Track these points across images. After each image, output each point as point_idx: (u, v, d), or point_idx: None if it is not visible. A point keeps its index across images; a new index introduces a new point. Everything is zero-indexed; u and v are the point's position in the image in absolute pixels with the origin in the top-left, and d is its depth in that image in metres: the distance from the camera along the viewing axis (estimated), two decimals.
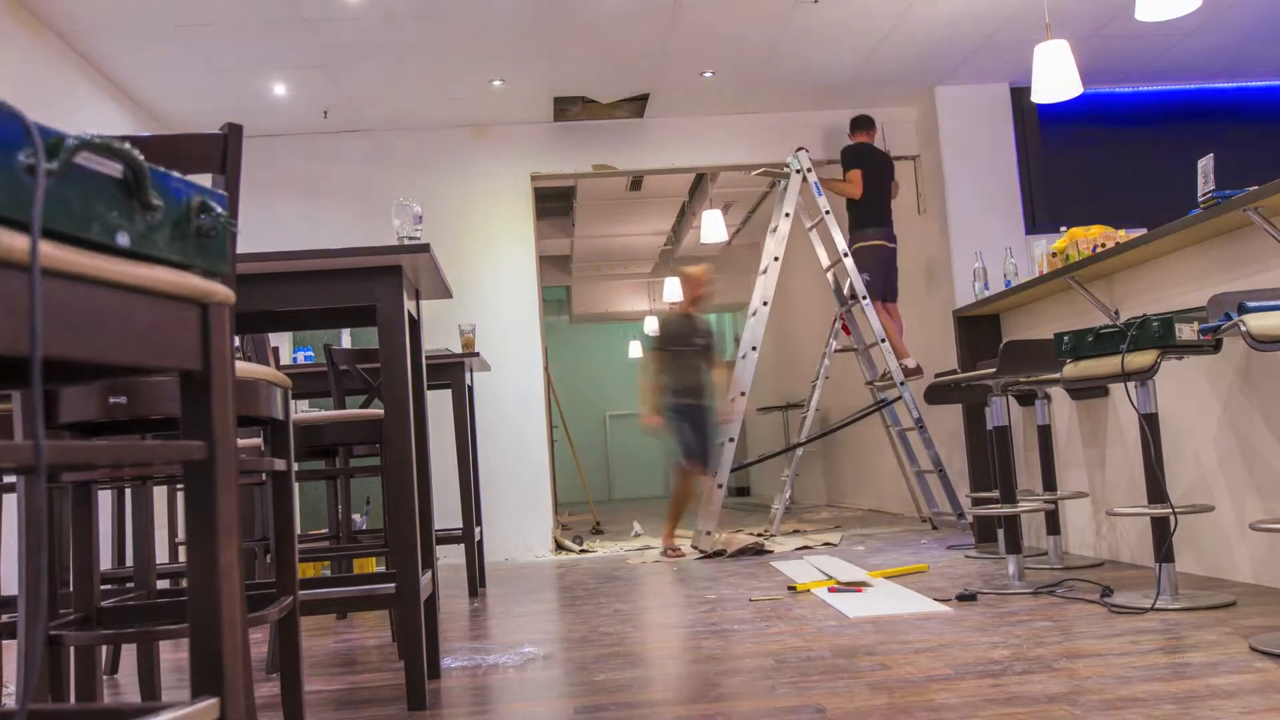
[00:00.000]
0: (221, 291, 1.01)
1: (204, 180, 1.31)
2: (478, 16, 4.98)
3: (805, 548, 5.55)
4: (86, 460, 0.84)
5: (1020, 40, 5.58)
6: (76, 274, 0.84)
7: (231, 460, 1.00)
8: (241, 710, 0.97)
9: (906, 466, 6.43)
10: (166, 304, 0.95)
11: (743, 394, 5.89)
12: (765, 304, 6.02)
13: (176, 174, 0.99)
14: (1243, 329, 2.43)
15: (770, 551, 5.48)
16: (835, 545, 5.60)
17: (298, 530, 6.30)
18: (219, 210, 1.02)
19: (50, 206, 0.83)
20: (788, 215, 6.20)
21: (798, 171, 6.23)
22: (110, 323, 0.88)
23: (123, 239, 0.91)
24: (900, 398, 6.12)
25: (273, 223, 6.19)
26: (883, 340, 6.10)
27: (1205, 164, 3.14)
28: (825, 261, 6.64)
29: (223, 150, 1.62)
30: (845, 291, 6.48)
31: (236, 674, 0.97)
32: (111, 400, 1.58)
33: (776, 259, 6.12)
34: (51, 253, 0.81)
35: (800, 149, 6.29)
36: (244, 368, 1.74)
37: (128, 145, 0.94)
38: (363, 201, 6.28)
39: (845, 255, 6.25)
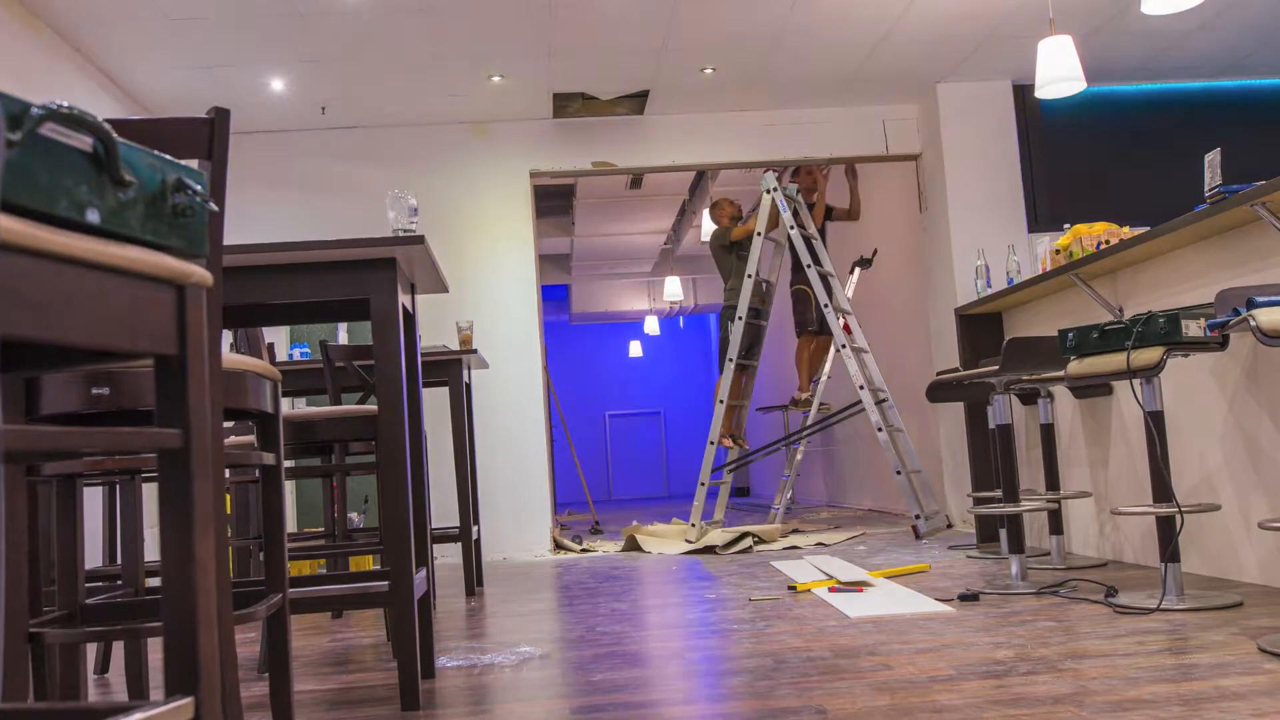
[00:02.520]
0: (199, 273, 0.97)
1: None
2: (476, 11, 4.94)
3: (794, 548, 5.52)
4: (52, 447, 0.80)
5: (1023, 36, 5.54)
6: (42, 251, 0.80)
7: (208, 449, 0.95)
8: (218, 710, 0.93)
9: (892, 467, 6.37)
10: (140, 285, 0.91)
11: (721, 402, 5.88)
12: (741, 319, 6.08)
13: (151, 150, 0.95)
14: (1252, 324, 2.39)
15: (752, 547, 5.46)
16: (828, 546, 5.56)
17: (293, 527, 6.27)
18: (196, 189, 0.98)
19: (12, 179, 0.78)
20: (759, 235, 6.31)
21: (768, 192, 6.30)
22: (79, 303, 0.83)
23: (93, 216, 0.87)
24: (885, 400, 6.11)
25: (270, 220, 6.15)
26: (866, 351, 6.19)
27: (1212, 158, 3.10)
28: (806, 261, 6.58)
29: (209, 135, 1.58)
30: (836, 300, 6.44)
31: (213, 672, 0.93)
32: (94, 391, 1.54)
33: (752, 275, 6.18)
34: (14, 227, 0.77)
35: (767, 170, 6.34)
36: (231, 359, 1.70)
37: (100, 119, 0.90)
38: (361, 198, 6.24)
39: (831, 276, 6.31)
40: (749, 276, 6.22)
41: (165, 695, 0.96)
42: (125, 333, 0.89)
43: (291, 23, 4.90)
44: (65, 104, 0.86)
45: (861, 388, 6.11)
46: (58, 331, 0.81)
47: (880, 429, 5.95)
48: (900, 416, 6.98)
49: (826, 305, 6.15)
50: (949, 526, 5.84)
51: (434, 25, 5.05)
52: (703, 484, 5.84)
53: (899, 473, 5.99)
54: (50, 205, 0.83)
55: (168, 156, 0.98)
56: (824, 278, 6.38)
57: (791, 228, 6.25)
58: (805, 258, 6.40)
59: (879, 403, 6.19)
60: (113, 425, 1.78)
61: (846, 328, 6.63)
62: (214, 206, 1.35)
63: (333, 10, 4.81)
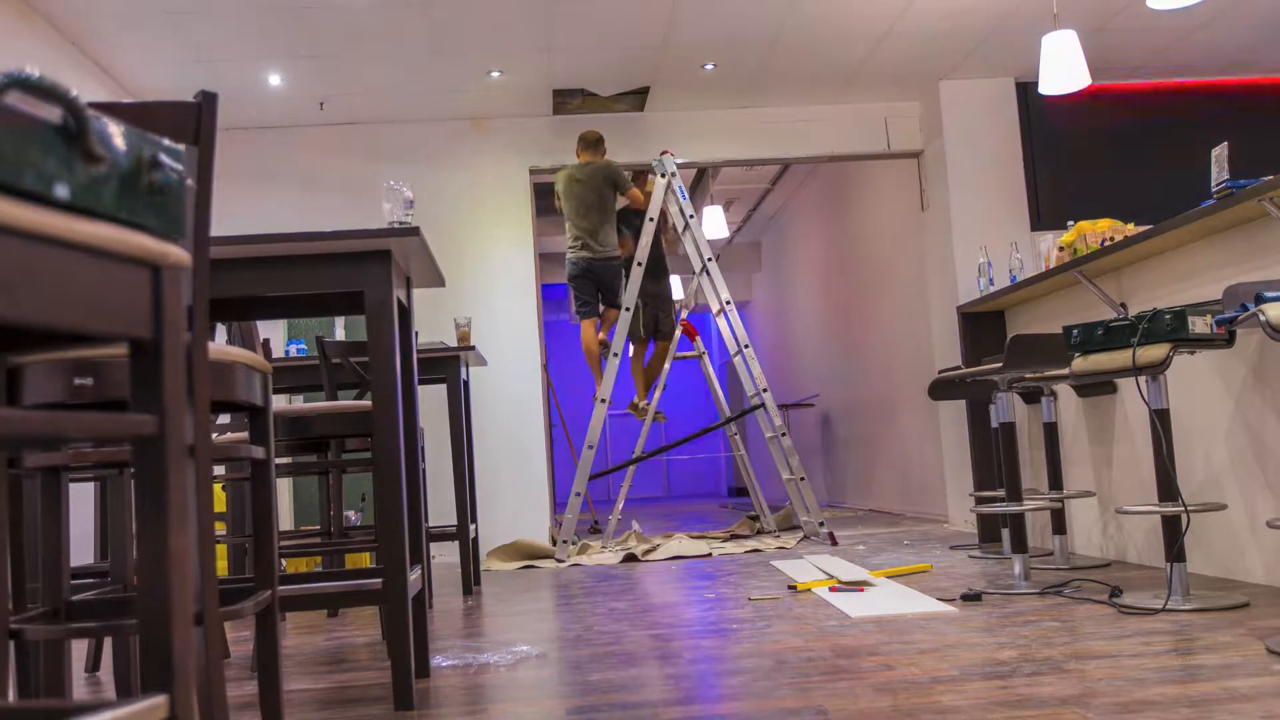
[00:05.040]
0: (176, 253, 0.93)
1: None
2: (476, 6, 4.90)
3: (783, 548, 5.46)
4: (16, 432, 0.76)
5: (1027, 33, 5.50)
6: (5, 226, 0.76)
7: (183, 437, 0.92)
8: (193, 709, 0.89)
9: (781, 474, 6.13)
10: (112, 264, 0.87)
11: (603, 401, 5.71)
12: (627, 310, 5.90)
13: (125, 124, 0.91)
14: (1262, 319, 2.35)
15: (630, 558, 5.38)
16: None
17: (291, 525, 6.23)
18: (174, 166, 0.94)
19: None
20: (651, 220, 6.05)
21: (663, 176, 6.07)
22: (46, 282, 0.80)
23: (61, 191, 0.83)
24: (761, 405, 5.89)
25: (268, 217, 6.11)
26: (744, 349, 5.99)
27: (1219, 152, 3.06)
28: (697, 266, 6.22)
29: (196, 120, 1.54)
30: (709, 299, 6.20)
31: (188, 669, 0.89)
32: (77, 381, 1.51)
33: (639, 264, 5.98)
34: None
35: (665, 152, 6.14)
36: (220, 349, 1.66)
37: (74, 93, 0.86)
38: (359, 195, 6.20)
39: (710, 260, 6.07)
40: (639, 264, 5.97)
41: (140, 692, 0.92)
42: (96, 314, 0.86)
43: (289, 17, 4.87)
44: (34, 73, 0.82)
45: (765, 390, 5.86)
46: (22, 311, 0.78)
47: (779, 434, 5.82)
48: (903, 415, 6.95)
49: (730, 303, 5.98)
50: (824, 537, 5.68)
51: (433, 20, 5.01)
52: (578, 494, 5.60)
53: (797, 478, 5.81)
54: (15, 178, 0.79)
55: (144, 132, 0.94)
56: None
57: (691, 216, 6.03)
58: (705, 250, 6.10)
59: (761, 405, 5.94)
60: None
61: (690, 331, 6.56)
62: (192, 184, 1.31)
63: (331, 5, 4.77)
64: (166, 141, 0.96)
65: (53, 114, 0.83)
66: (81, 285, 0.84)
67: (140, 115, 1.50)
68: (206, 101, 1.55)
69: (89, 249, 0.84)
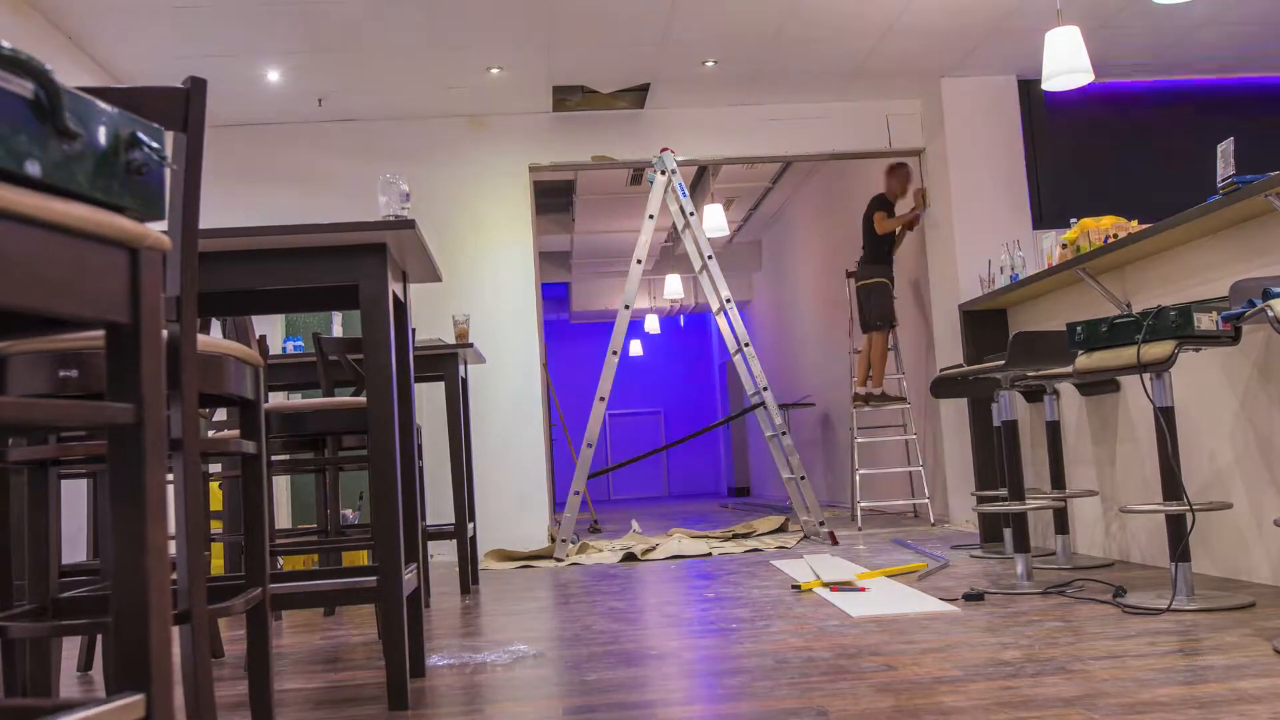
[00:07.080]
0: (154, 236, 0.90)
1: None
2: (475, 2, 4.86)
3: (783, 547, 5.44)
4: None
5: (1029, 30, 5.46)
6: None
7: (162, 426, 0.88)
8: (170, 708, 0.86)
9: (781, 473, 6.06)
10: (88, 246, 0.84)
11: (601, 399, 5.64)
12: (627, 308, 5.79)
13: (102, 102, 0.88)
14: (1270, 314, 2.32)
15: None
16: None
17: (289, 523, 6.19)
18: (153, 145, 0.91)
19: None
20: (651, 218, 5.89)
21: (663, 173, 5.93)
22: (15, 262, 0.76)
23: (32, 168, 0.79)
24: (762, 404, 5.81)
25: (265, 213, 6.07)
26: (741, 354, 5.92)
27: (1225, 148, 3.02)
28: (697, 264, 6.10)
29: (185, 106, 1.51)
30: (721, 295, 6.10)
31: (166, 667, 0.86)
32: (62, 373, 1.47)
33: (639, 261, 5.82)
34: None
35: (665, 149, 6.02)
36: (210, 341, 1.63)
37: (50, 67, 0.82)
38: (357, 193, 6.16)
39: (710, 258, 5.96)
40: (638, 261, 5.86)
41: (117, 691, 0.89)
42: (71, 297, 0.82)
43: (288, 11, 4.83)
44: (4, 44, 0.79)
45: (765, 389, 5.81)
46: None
47: (780, 433, 5.76)
48: (903, 415, 6.90)
49: (730, 301, 5.98)
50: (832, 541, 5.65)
51: (433, 16, 4.98)
52: (576, 492, 5.53)
53: (797, 478, 5.74)
54: None
55: (122, 111, 0.91)
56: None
57: (691, 214, 5.93)
58: (706, 247, 6.00)
59: (761, 404, 5.83)
60: None
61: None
62: (173, 166, 1.27)
63: (330, 1, 4.73)
64: (148, 122, 0.93)
65: (24, 88, 0.80)
66: (54, 266, 0.80)
67: (127, 100, 1.47)
68: (195, 87, 1.51)
69: (62, 228, 0.81)
